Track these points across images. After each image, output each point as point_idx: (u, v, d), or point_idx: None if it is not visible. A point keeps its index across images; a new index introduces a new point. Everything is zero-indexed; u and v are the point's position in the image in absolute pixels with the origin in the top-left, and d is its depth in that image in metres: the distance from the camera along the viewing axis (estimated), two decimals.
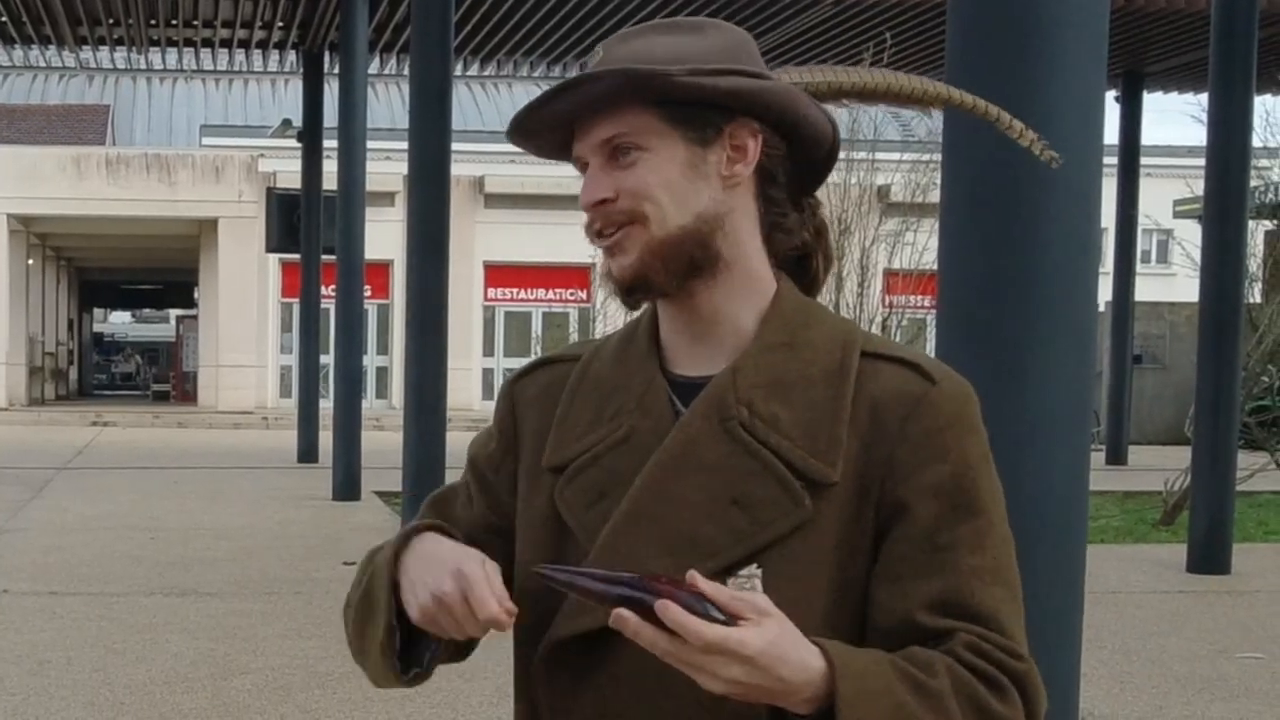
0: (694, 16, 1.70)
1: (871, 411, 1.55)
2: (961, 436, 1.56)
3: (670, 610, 1.35)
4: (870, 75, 1.73)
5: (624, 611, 1.36)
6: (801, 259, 1.67)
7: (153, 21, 18.25)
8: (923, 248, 11.24)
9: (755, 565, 1.51)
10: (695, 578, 1.38)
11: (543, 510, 1.64)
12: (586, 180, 1.60)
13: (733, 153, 1.59)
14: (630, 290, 1.60)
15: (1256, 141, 11.83)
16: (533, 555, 1.63)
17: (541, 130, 1.64)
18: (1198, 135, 11.21)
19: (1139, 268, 22.20)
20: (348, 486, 14.82)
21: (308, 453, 18.83)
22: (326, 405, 16.99)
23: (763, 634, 1.37)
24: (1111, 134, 21.01)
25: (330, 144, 16.45)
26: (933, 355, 3.86)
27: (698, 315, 1.61)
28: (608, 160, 1.58)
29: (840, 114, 1.75)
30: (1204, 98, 11.07)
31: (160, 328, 59.24)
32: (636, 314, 1.72)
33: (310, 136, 18.74)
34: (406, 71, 14.19)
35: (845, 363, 1.58)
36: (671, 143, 1.57)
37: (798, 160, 1.65)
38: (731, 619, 1.37)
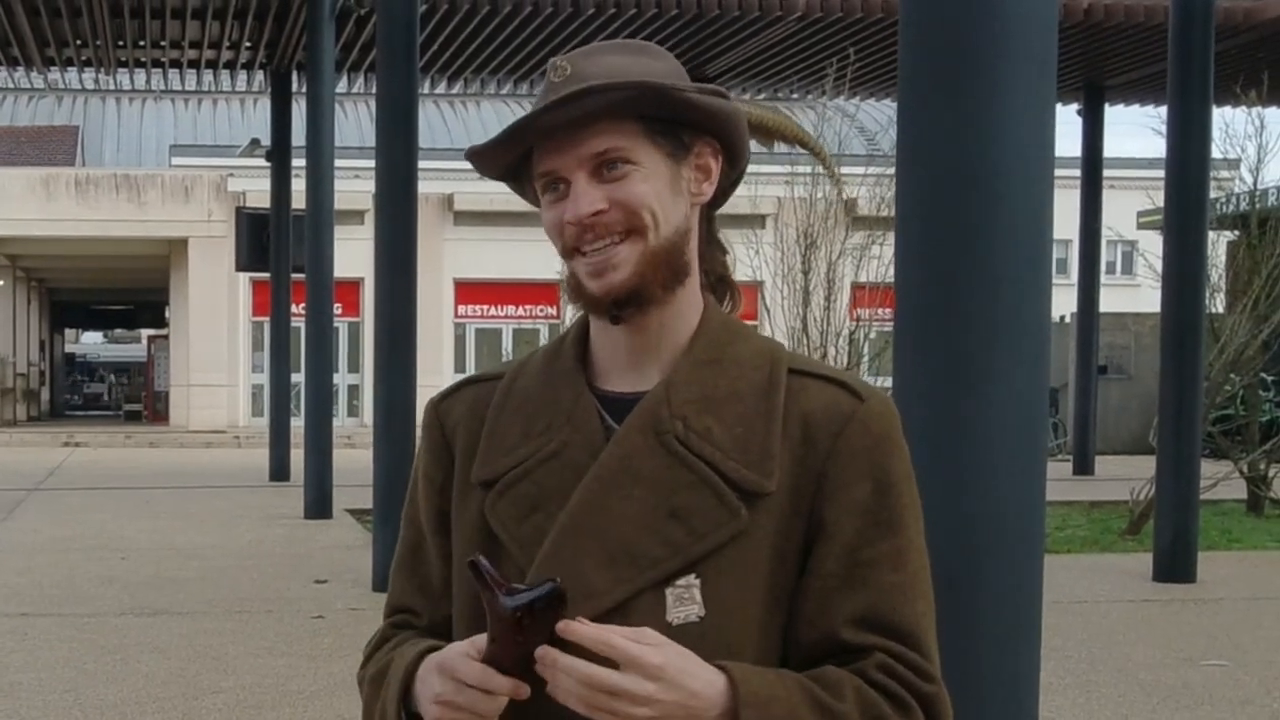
0: (637, 40, 1.73)
1: (803, 426, 1.59)
2: (889, 454, 1.61)
3: (572, 627, 1.42)
4: (762, 110, 1.79)
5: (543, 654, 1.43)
6: (716, 282, 1.71)
7: (121, 43, 18.22)
8: (889, 261, 11.29)
9: (693, 575, 1.55)
10: (584, 623, 1.45)
11: (473, 524, 1.66)
12: (575, 194, 1.58)
13: (697, 172, 1.63)
14: (624, 304, 1.59)
15: (1216, 153, 11.92)
16: (462, 569, 1.66)
17: (516, 147, 1.63)
18: (1159, 147, 11.26)
19: (1103, 279, 22.30)
20: (319, 505, 14.80)
21: (279, 471, 18.77)
22: (298, 423, 16.96)
23: (662, 651, 1.45)
24: (1074, 146, 21.15)
25: (299, 163, 16.42)
26: (891, 367, 3.93)
27: (646, 331, 1.63)
28: (592, 174, 1.58)
29: (805, 127, 1.82)
30: (1164, 110, 11.15)
31: (132, 348, 59.00)
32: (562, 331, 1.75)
33: (279, 155, 18.72)
34: (374, 90, 14.22)
35: (773, 378, 1.62)
36: (657, 158, 1.60)
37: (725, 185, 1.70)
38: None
